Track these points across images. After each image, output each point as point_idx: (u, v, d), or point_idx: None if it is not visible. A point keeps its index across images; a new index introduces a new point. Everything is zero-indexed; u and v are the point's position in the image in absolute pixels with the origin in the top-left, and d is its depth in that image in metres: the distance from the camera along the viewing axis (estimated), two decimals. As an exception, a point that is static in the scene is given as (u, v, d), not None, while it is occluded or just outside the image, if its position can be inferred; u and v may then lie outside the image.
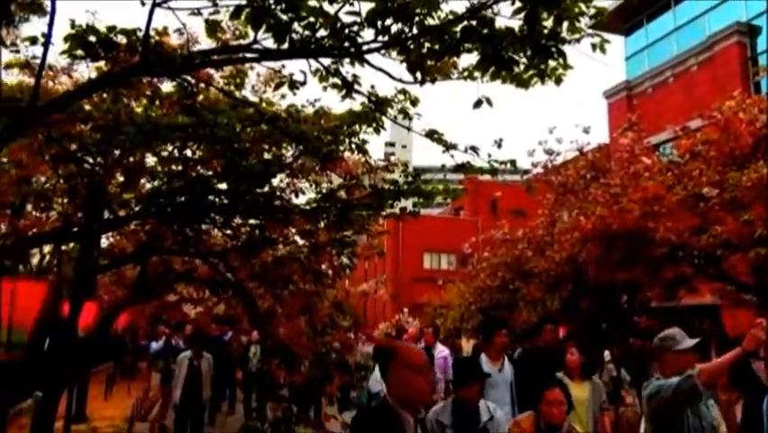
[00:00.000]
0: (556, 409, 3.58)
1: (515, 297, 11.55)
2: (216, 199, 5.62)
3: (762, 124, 6.72)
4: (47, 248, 12.46)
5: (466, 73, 4.49)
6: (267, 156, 5.29)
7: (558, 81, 4.53)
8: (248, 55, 3.72)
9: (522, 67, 4.24)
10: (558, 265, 9.75)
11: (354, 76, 4.54)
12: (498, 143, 5.27)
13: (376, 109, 4.71)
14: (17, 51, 5.64)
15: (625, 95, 22.79)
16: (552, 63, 4.36)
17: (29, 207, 9.91)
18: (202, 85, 5.80)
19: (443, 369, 8.78)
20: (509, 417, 4.60)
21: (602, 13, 4.40)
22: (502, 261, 12.02)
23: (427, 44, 3.85)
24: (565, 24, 4.20)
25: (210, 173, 5.72)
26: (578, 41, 4.31)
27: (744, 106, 7.20)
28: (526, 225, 11.91)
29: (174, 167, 5.65)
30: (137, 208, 5.60)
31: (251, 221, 6.44)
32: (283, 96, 5.51)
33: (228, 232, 6.85)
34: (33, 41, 4.61)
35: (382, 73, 4.31)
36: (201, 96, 5.49)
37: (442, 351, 8.94)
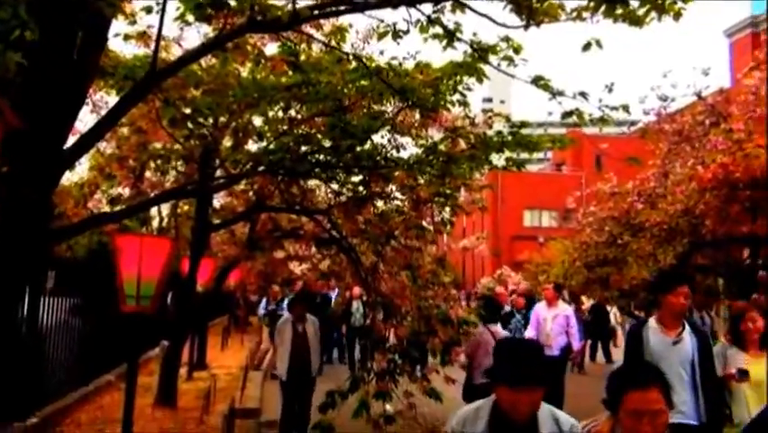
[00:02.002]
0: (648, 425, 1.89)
1: (623, 252, 11.08)
2: (321, 156, 5.75)
3: None
4: (165, 211, 13.38)
5: (575, 14, 4.26)
6: (369, 111, 5.32)
7: (677, 16, 4.20)
8: (350, 7, 3.71)
9: (638, 2, 3.96)
10: (671, 218, 9.24)
11: (456, 24, 4.43)
12: (610, 88, 4.97)
13: (479, 58, 4.58)
14: (134, 23, 5.96)
15: (749, 32, 20.78)
16: (670, -4, 4.04)
17: (148, 172, 10.67)
18: (304, 45, 5.91)
19: (564, 328, 8.64)
20: (689, 411, 3.76)
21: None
22: (610, 215, 11.53)
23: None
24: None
25: (314, 131, 5.84)
26: (700, -31, 3.96)
27: None
28: (636, 177, 11.30)
29: (280, 126, 5.82)
30: (247, 167, 5.84)
31: (355, 177, 6.55)
32: (382, 53, 5.49)
33: (332, 188, 7.01)
34: (149, 10, 4.87)
35: (486, 19, 4.18)
36: (303, 57, 5.59)
37: (564, 310, 8.81)
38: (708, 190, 8.15)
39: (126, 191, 10.72)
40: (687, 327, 3.98)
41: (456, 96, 5.18)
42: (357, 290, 12.01)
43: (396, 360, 6.92)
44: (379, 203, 7.36)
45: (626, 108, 4.68)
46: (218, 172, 7.06)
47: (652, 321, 4.06)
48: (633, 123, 16.91)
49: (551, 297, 8.85)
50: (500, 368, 2.18)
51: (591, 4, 3.76)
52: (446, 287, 8.35)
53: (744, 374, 4.04)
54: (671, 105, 10.74)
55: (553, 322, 8.57)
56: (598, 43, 4.34)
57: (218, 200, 10.64)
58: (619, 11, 3.81)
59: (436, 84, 5.19)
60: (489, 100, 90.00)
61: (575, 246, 13.16)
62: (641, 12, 4.12)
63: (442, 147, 5.87)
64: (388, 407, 6.72)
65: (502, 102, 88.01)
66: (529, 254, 26.91)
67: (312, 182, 8.10)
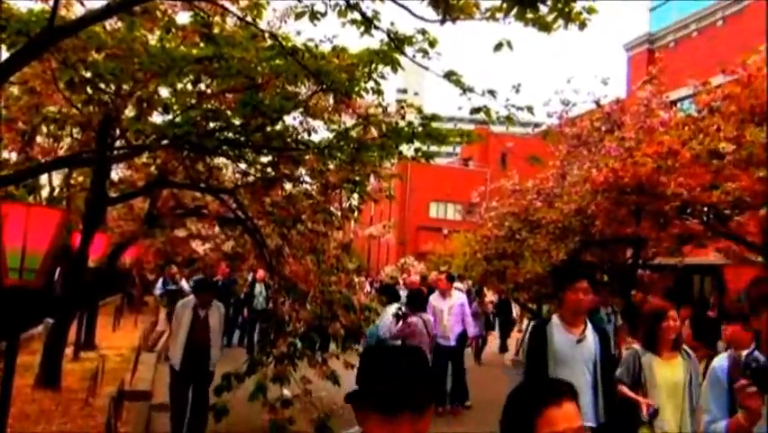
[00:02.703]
0: None
1: (521, 247, 11.61)
2: (229, 134, 5.61)
3: (786, 80, 6.58)
4: (57, 180, 12.53)
5: (489, 13, 4.39)
6: (282, 92, 5.24)
7: (582, 25, 4.43)
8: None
9: (546, 9, 4.14)
10: (566, 217, 9.78)
11: (375, 11, 4.45)
12: (517, 88, 5.18)
13: (395, 47, 4.63)
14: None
15: (646, 48, 22.25)
16: (576, 7, 4.26)
17: (39, 137, 9.93)
18: (218, 18, 5.70)
19: (460, 317, 8.77)
20: (589, 413, 3.54)
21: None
22: (510, 211, 12.04)
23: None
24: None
25: (224, 107, 5.68)
26: (603, -17, 4.19)
27: (769, 62, 7.03)
28: (536, 176, 11.86)
29: (188, 99, 5.61)
30: (150, 140, 5.58)
31: (264, 158, 6.44)
32: (299, 33, 5.41)
33: (240, 168, 6.86)
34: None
35: (404, 9, 4.22)
36: (217, 29, 5.40)
37: (459, 299, 8.95)
38: (599, 193, 8.69)
39: (14, 156, 9.93)
40: (589, 325, 3.85)
41: (370, 84, 5.21)
42: (261, 273, 11.86)
43: (296, 344, 6.92)
44: (288, 186, 7.28)
45: (530, 109, 4.90)
46: (118, 143, 6.71)
47: (555, 319, 3.87)
48: (537, 124, 17.64)
49: (445, 287, 8.95)
50: (368, 387, 1.44)
51: (504, 5, 3.89)
52: (350, 273, 8.42)
53: (654, 415, 3.60)
54: (572, 109, 11.33)
55: (449, 313, 8.67)
56: (509, 44, 4.50)
57: (117, 172, 10.09)
58: (529, 15, 3.96)
59: (352, 70, 5.19)
60: (404, 91, 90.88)
61: (476, 239, 13.64)
62: (549, 18, 4.32)
63: (353, 133, 5.89)
64: (285, 391, 6.72)
65: (416, 94, 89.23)
66: (433, 245, 27.60)
67: (219, 160, 7.87)
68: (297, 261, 7.40)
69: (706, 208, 7.91)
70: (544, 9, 4.23)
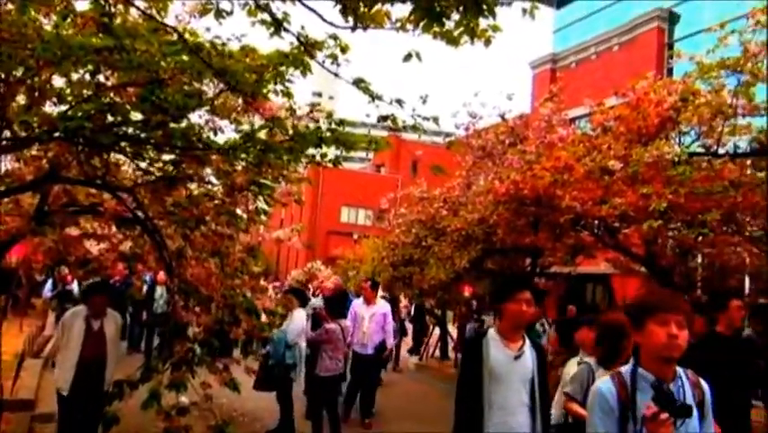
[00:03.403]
0: None
1: (426, 254, 11.88)
2: (129, 130, 5.35)
3: (668, 105, 7.15)
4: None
5: (399, 24, 4.47)
6: (187, 89, 5.07)
7: (487, 42, 4.60)
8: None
9: (453, 23, 4.27)
10: (469, 225, 10.11)
11: (285, 14, 4.42)
12: (424, 99, 5.31)
13: (305, 51, 4.61)
14: None
15: (549, 67, 23.45)
16: (482, 24, 4.42)
17: None
18: (120, 7, 5.44)
19: (381, 325, 8.61)
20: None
21: (535, -20, 4.49)
22: (417, 218, 12.30)
23: (362, -13, 3.79)
24: (499, -15, 4.26)
25: (124, 101, 5.42)
26: (509, 4, 4.38)
27: (654, 88, 7.61)
28: (444, 184, 12.19)
29: (85, 91, 5.30)
30: (40, 131, 5.23)
31: (166, 156, 6.20)
32: (208, 29, 5.27)
33: (140, 166, 6.56)
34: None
35: (314, 14, 4.22)
36: (119, 20, 5.15)
37: (382, 307, 8.84)
38: (501, 203, 9.05)
39: None
40: (527, 339, 3.60)
41: (280, 87, 5.15)
42: (161, 275, 11.42)
43: (195, 349, 6.70)
44: (193, 186, 7.04)
45: (435, 120, 5.02)
46: (6, 133, 6.23)
47: (492, 332, 3.58)
48: (448, 134, 18.14)
49: (370, 295, 8.79)
50: None
51: (412, 17, 3.97)
52: (256, 277, 8.26)
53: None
54: (479, 122, 11.75)
55: (371, 321, 8.54)
56: (418, 56, 4.59)
57: (3, 165, 9.36)
58: (436, 29, 4.07)
59: (261, 70, 5.12)
60: (319, 95, 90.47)
61: (384, 245, 13.82)
62: (456, 33, 4.46)
63: (262, 135, 5.79)
64: (182, 398, 6.48)
65: (331, 98, 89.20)
66: (343, 250, 27.63)
67: (119, 157, 7.49)
68: (199, 263, 7.17)
69: (596, 221, 8.42)
70: (450, 24, 4.38)
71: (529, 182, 8.16)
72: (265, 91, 5.18)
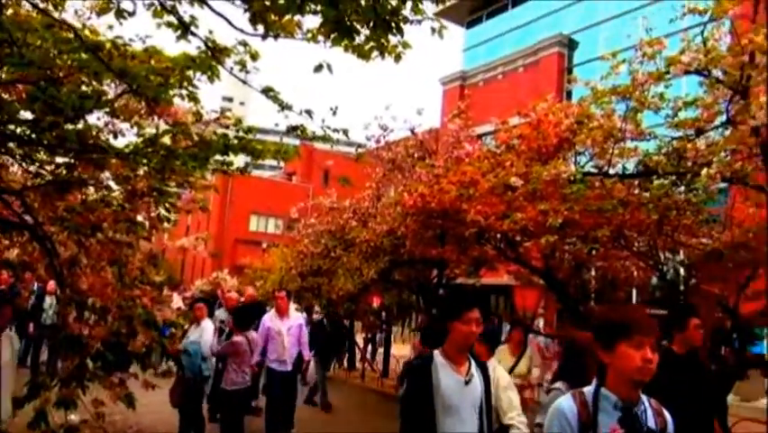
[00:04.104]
0: None
1: (335, 264, 11.87)
2: (17, 129, 5.01)
3: (566, 127, 7.57)
4: None
5: (310, 35, 4.47)
6: (84, 89, 4.82)
7: (397, 58, 4.69)
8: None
9: (363, 38, 4.33)
10: (378, 237, 10.21)
11: (192, 17, 4.31)
12: (334, 111, 5.33)
13: (212, 56, 4.51)
14: None
15: (459, 84, 24.22)
16: (393, 40, 4.51)
17: None
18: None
19: (297, 338, 8.17)
20: None
21: (444, 0, 4.64)
22: (327, 228, 12.29)
23: (272, -4, 3.77)
24: (409, 4, 4.36)
25: (13, 99, 5.07)
26: (419, 22, 4.50)
27: (553, 110, 8.04)
28: (354, 195, 12.26)
29: (-33, 86, 4.92)
30: None
31: (59, 159, 5.85)
32: (111, 27, 5.05)
33: (30, 168, 6.15)
34: None
35: (223, 19, 4.15)
36: (10, 11, 4.84)
37: (297, 319, 8.47)
38: (409, 215, 9.21)
39: None
40: (472, 361, 3.31)
41: (185, 90, 5.01)
42: (52, 285, 10.74)
43: (86, 364, 6.33)
44: (91, 190, 6.69)
45: (345, 132, 5.06)
46: None
47: (438, 356, 3.21)
48: (360, 145, 18.30)
49: (285, 307, 8.26)
50: None
51: (323, 28, 3.99)
52: (157, 287, 7.94)
53: None
54: (389, 135, 11.93)
55: (288, 334, 8.04)
56: (329, 67, 4.61)
57: None
58: (347, 42, 4.11)
59: (167, 74, 4.95)
60: (230, 99, 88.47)
61: (293, 255, 13.68)
62: (366, 47, 4.52)
63: (166, 140, 5.60)
64: (72, 416, 6.10)
65: (242, 104, 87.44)
66: (251, 259, 27.08)
67: (5, 158, 6.98)
68: (95, 272, 6.81)
69: (499, 235, 8.75)
70: (362, 38, 4.43)
71: (436, 196, 8.35)
72: (168, 95, 5.03)
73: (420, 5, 4.43)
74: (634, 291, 11.89)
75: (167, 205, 6.11)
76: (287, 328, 8.07)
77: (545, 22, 22.50)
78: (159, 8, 4.13)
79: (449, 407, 3.11)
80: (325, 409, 10.49)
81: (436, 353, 3.24)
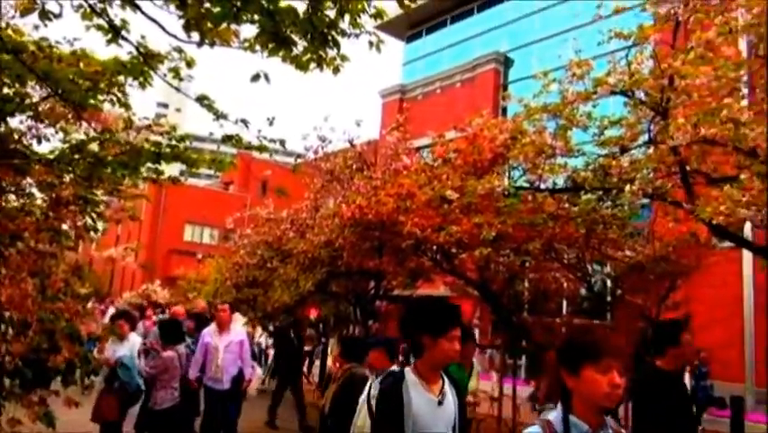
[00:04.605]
0: None
1: (271, 276, 11.72)
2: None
3: (500, 142, 7.78)
4: None
5: (247, 44, 4.43)
6: (6, 92, 4.59)
7: (336, 70, 4.71)
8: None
9: (301, 49, 4.32)
10: (316, 248, 10.15)
11: (123, 21, 4.19)
12: (270, 121, 5.29)
13: (144, 62, 4.40)
14: None
15: (398, 97, 24.49)
16: (331, 52, 4.52)
17: None
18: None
19: (238, 355, 7.76)
20: None
21: (382, 15, 4.69)
22: (263, 239, 12.12)
23: (207, 3, 3.72)
24: (347, 17, 4.39)
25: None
26: (357, 36, 4.53)
27: (488, 125, 8.25)
28: (292, 206, 12.16)
29: None
30: None
31: (-24, 164, 5.53)
32: (36, 28, 4.84)
33: (-57, 173, 5.78)
34: None
35: (156, 25, 4.05)
36: None
37: (239, 334, 8.03)
38: (347, 227, 9.21)
39: None
40: (445, 379, 3.03)
41: (114, 96, 4.85)
42: (-34, 297, 10.10)
43: (2, 381, 5.99)
44: (12, 197, 6.35)
45: (282, 143, 5.02)
46: None
47: (409, 374, 2.93)
48: (299, 155, 18.23)
49: (226, 321, 7.80)
50: None
51: (260, 39, 3.96)
52: (82, 299, 7.60)
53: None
54: (328, 146, 11.92)
55: (225, 351, 7.65)
56: (266, 77, 4.57)
57: None
58: (284, 53, 4.09)
59: (96, 78, 4.78)
60: (165, 106, 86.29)
61: (228, 266, 13.42)
62: (304, 59, 4.51)
63: (94, 147, 5.39)
64: (-15, 437, 5.74)
65: (178, 110, 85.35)
66: (185, 270, 26.35)
67: None
68: (14, 284, 6.45)
69: (435, 247, 8.87)
70: (299, 49, 4.43)
71: (374, 207, 8.40)
72: (99, 100, 4.86)
73: (358, 20, 4.47)
74: (564, 302, 12.30)
75: (94, 214, 5.87)
76: (225, 345, 7.68)
77: (483, 39, 23.12)
78: (88, 10, 4.00)
79: (421, 428, 2.84)
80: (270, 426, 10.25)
81: (407, 370, 2.95)
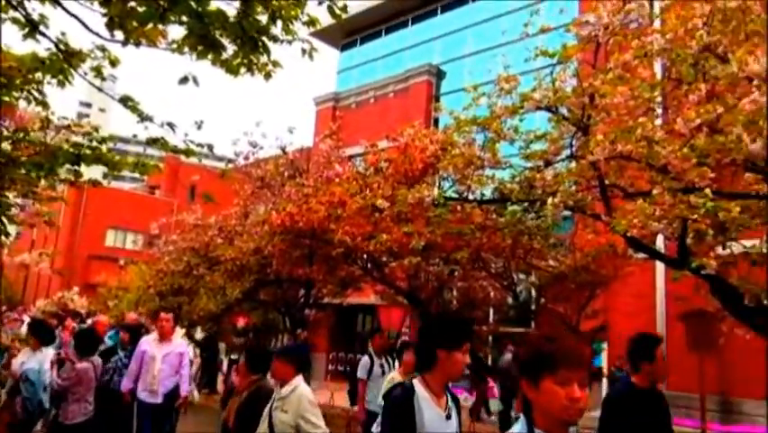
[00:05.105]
0: None
1: (197, 283, 11.39)
2: None
3: (431, 153, 7.92)
4: None
5: (175, 45, 4.32)
6: None
7: (267, 76, 4.66)
8: None
9: (231, 53, 4.25)
10: (245, 255, 9.97)
11: (42, 15, 3.99)
12: (199, 125, 5.17)
13: (65, 59, 4.21)
14: None
15: (332, 105, 24.46)
16: (262, 58, 4.48)
17: None
18: None
19: (176, 368, 7.26)
20: None
21: (315, 23, 4.69)
22: (190, 245, 11.80)
23: (133, 2, 3.60)
24: (280, 23, 4.36)
25: None
26: (290, 42, 4.51)
27: (420, 136, 8.38)
28: (221, 212, 11.91)
29: None
30: None
31: None
32: (-56, 18, 4.54)
33: None
34: None
35: (77, 21, 3.89)
36: None
37: (179, 346, 7.46)
38: (277, 234, 9.10)
39: None
40: (448, 393, 2.96)
41: (32, 93, 4.62)
42: None
43: None
44: None
45: (210, 147, 4.91)
46: None
47: (419, 387, 2.80)
48: (230, 160, 17.90)
49: (168, 330, 7.33)
50: None
51: (188, 40, 3.87)
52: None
53: None
54: (259, 151, 11.76)
55: (163, 362, 7.17)
56: (195, 80, 4.47)
57: None
58: (213, 56, 4.01)
59: (11, 74, 4.53)
60: (88, 105, 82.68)
61: (152, 273, 12.96)
62: (235, 63, 4.44)
63: (6, 146, 5.10)
64: None
65: (102, 110, 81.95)
66: (106, 277, 25.22)
67: None
68: None
69: (366, 255, 8.90)
70: (229, 53, 4.35)
71: (305, 215, 8.35)
72: (14, 97, 4.61)
73: (291, 26, 4.45)
74: (491, 310, 12.59)
75: (4, 217, 5.55)
76: (163, 355, 7.20)
77: (416, 51, 23.45)
78: (3, 2, 3.79)
79: None
80: None
81: (416, 383, 2.82)
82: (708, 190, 4.83)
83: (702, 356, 9.32)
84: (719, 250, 5.43)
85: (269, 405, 4.24)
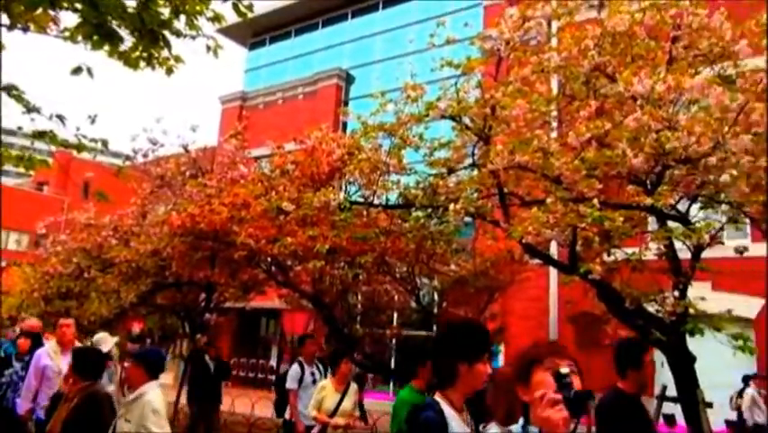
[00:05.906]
0: None
1: (88, 287, 10.73)
2: None
3: (337, 157, 7.92)
4: None
5: (68, 33, 4.08)
6: None
7: (169, 71, 4.50)
8: None
9: (130, 45, 4.07)
10: (141, 257, 9.50)
11: None
12: (93, 119, 4.91)
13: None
14: None
15: (239, 104, 23.93)
16: (164, 52, 4.31)
17: None
18: None
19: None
20: None
21: (220, 19, 4.58)
22: (81, 246, 11.10)
23: (19, -15, 3.37)
24: (183, 18, 4.23)
25: None
26: (193, 38, 4.37)
27: (327, 139, 8.37)
28: (116, 211, 11.30)
29: None
30: None
31: None
32: None
33: None
34: None
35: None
36: None
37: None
38: (177, 236, 8.76)
39: None
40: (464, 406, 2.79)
41: None
42: None
43: None
44: None
45: (104, 143, 4.67)
46: None
47: (444, 405, 2.58)
48: (128, 157, 17.05)
49: (70, 338, 6.58)
50: None
51: (81, 29, 3.66)
52: None
53: None
54: (159, 149, 11.28)
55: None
56: (89, 71, 4.24)
57: None
58: (109, 47, 3.82)
59: None
60: (-33, 93, 76.22)
61: (37, 276, 12.05)
62: (134, 56, 4.25)
63: None
64: None
65: (-16, 99, 75.72)
66: (-16, 279, 23.20)
67: None
68: None
69: (270, 259, 8.76)
70: (128, 45, 4.16)
71: (207, 216, 8.10)
72: None
73: (195, 21, 4.32)
74: (395, 314, 12.76)
75: None
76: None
77: (326, 54, 23.40)
78: None
79: None
80: None
81: (439, 399, 2.61)
82: (595, 201, 5.16)
83: (590, 355, 9.92)
84: (605, 256, 5.80)
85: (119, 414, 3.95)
